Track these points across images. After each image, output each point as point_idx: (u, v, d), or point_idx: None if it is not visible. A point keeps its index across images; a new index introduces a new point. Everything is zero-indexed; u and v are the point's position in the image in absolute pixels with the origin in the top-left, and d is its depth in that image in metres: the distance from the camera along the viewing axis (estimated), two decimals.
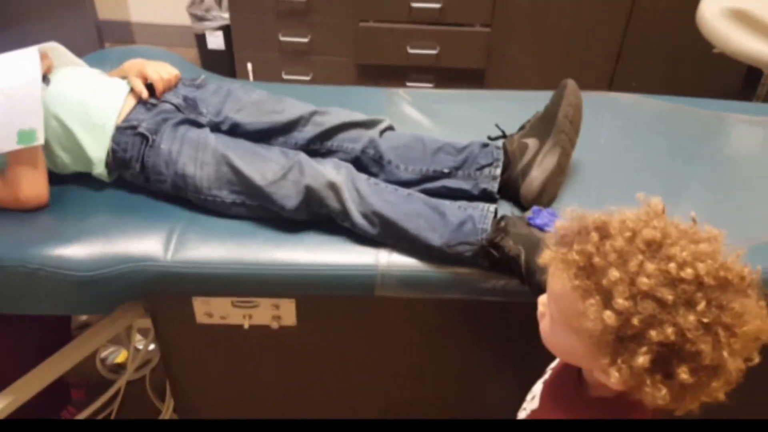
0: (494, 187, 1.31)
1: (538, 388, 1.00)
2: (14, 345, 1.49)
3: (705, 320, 0.70)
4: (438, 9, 2.48)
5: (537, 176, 1.29)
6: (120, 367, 1.86)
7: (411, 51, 2.55)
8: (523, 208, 1.31)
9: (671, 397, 0.72)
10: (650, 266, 0.71)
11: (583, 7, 2.48)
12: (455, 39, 2.55)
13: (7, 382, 1.36)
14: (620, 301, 0.71)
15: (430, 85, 2.65)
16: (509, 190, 1.32)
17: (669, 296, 0.70)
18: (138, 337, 1.75)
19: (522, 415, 1.01)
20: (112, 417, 1.71)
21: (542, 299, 0.87)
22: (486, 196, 1.31)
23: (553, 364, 1.01)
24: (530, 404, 1.00)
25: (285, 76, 2.68)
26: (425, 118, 1.53)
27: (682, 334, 0.70)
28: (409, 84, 2.66)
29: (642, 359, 0.70)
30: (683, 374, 0.70)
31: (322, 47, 2.62)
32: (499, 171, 1.31)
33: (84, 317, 1.79)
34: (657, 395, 0.71)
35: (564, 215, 0.82)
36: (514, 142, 1.34)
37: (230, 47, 2.71)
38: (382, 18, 2.52)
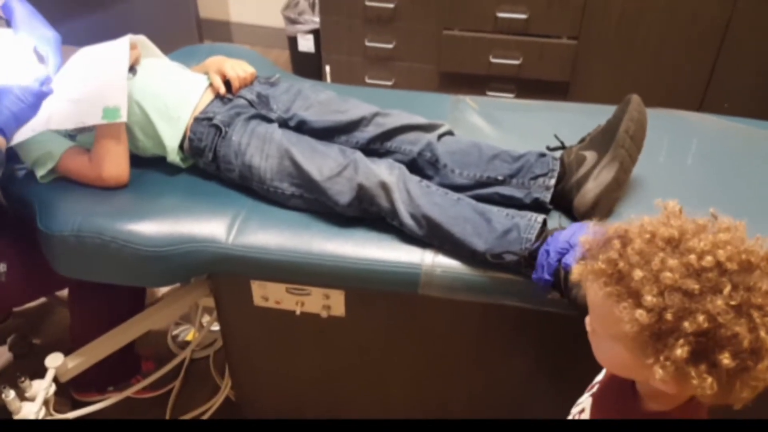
0: (546, 197, 1.31)
1: (586, 401, 0.99)
2: (92, 315, 1.63)
3: (733, 303, 0.70)
4: (524, 19, 2.48)
5: (591, 189, 1.29)
6: (189, 345, 1.98)
7: (493, 60, 2.56)
8: (575, 220, 1.31)
9: (719, 386, 0.72)
10: (672, 261, 0.73)
11: (675, 24, 2.41)
12: (540, 50, 2.54)
13: (82, 345, 1.49)
14: (649, 299, 0.73)
15: (511, 95, 2.65)
16: (563, 201, 1.32)
17: (694, 286, 0.71)
18: (206, 317, 1.87)
19: None
20: (175, 389, 1.83)
21: (588, 318, 0.88)
22: (538, 206, 1.32)
23: (600, 377, 1.00)
24: (579, 417, 0.99)
25: (368, 81, 2.75)
26: (488, 126, 1.54)
27: (714, 320, 0.70)
28: (489, 93, 2.67)
29: (680, 351, 0.71)
30: (725, 360, 0.70)
31: (406, 54, 2.67)
32: (553, 181, 1.32)
33: (159, 294, 1.93)
34: (704, 385, 0.72)
35: (587, 230, 0.84)
36: (571, 154, 1.34)
37: (319, 50, 2.82)
38: (467, 27, 2.55)
